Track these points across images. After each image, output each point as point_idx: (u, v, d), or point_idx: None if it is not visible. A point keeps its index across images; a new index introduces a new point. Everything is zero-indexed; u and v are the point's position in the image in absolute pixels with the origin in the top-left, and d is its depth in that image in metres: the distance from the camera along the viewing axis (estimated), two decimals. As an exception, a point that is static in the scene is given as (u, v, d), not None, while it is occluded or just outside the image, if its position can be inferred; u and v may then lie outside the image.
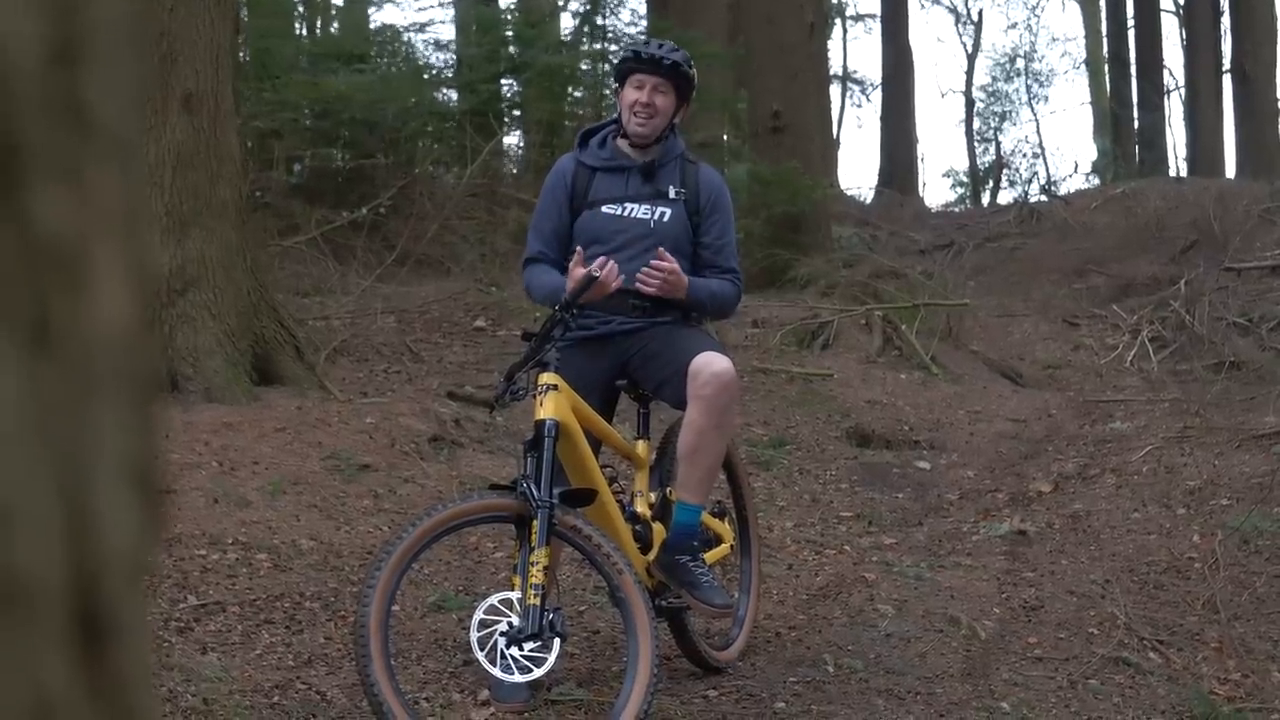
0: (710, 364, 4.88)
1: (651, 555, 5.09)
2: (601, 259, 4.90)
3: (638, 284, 4.94)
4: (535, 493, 4.56)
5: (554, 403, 4.79)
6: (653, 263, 4.93)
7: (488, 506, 4.67)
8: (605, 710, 4.69)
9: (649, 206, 5.20)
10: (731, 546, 5.63)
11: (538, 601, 4.51)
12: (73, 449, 0.54)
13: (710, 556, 5.31)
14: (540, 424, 4.74)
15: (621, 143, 5.29)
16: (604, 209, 5.21)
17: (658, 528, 5.19)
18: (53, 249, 0.52)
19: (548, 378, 4.83)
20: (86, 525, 0.55)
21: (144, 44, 0.58)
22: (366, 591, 4.40)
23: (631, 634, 4.54)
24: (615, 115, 5.35)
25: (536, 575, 4.52)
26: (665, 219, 5.19)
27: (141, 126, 0.60)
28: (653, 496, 5.29)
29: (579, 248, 5.08)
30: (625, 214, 5.20)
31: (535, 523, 4.54)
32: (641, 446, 5.34)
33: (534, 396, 4.82)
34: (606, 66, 16.82)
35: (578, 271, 4.89)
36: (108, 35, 0.55)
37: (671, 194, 5.23)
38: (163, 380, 8.14)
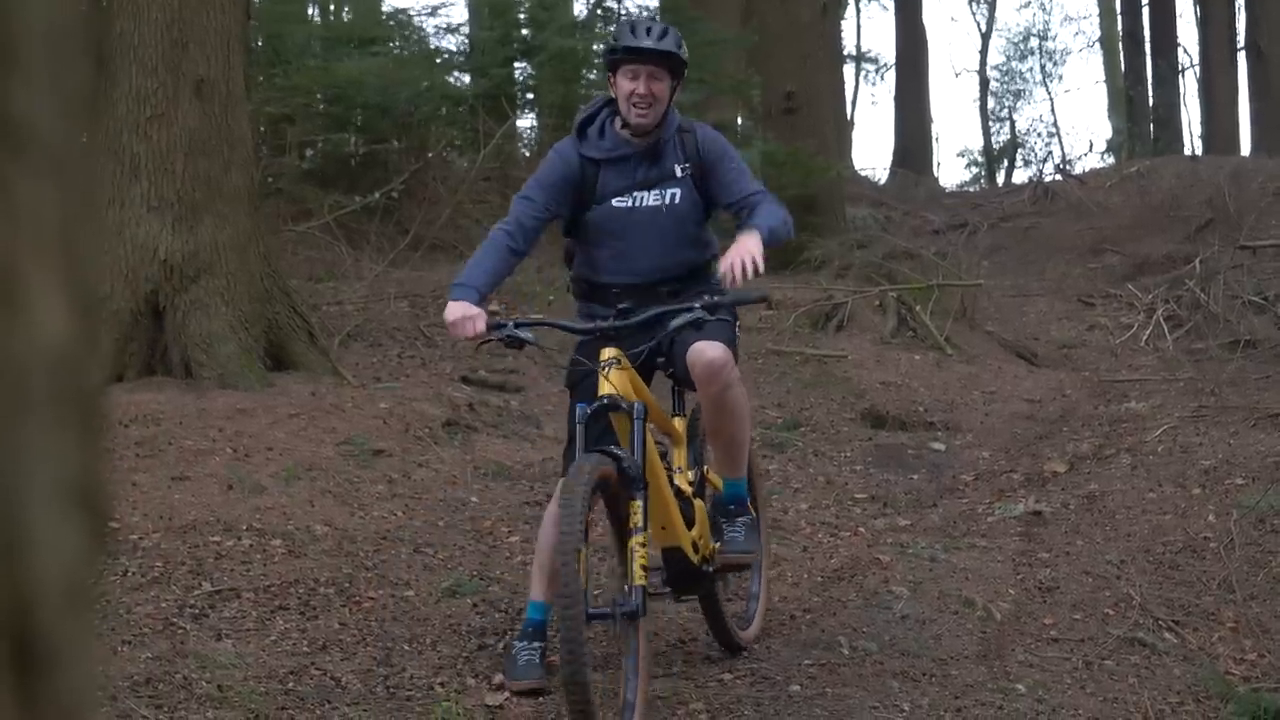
0: (702, 353, 4.90)
1: (695, 531, 5.10)
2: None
3: (729, 278, 4.76)
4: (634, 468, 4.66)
5: (620, 378, 4.79)
6: (734, 270, 4.74)
7: (604, 475, 4.58)
8: (612, 697, 4.68)
9: (658, 191, 5.16)
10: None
11: (645, 580, 4.61)
12: (5, 470, 0.52)
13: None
14: (613, 400, 4.75)
15: (622, 131, 5.19)
16: (614, 202, 5.16)
17: (699, 504, 5.25)
18: None
19: (611, 352, 4.81)
20: (19, 549, 0.53)
21: (89, 53, 0.56)
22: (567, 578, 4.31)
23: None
24: (607, 97, 5.27)
25: (643, 555, 4.60)
26: (676, 199, 5.16)
27: (84, 139, 0.58)
28: (691, 474, 5.33)
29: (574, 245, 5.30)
30: (636, 204, 5.15)
31: (638, 503, 4.62)
32: (679, 423, 5.36)
33: (599, 371, 4.79)
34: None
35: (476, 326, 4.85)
36: (41, 45, 0.54)
37: (678, 172, 5.18)
38: (176, 367, 8.15)
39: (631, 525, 4.62)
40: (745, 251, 4.75)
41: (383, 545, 6.29)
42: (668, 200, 5.16)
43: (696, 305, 4.80)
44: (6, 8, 0.51)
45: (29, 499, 0.54)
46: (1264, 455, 8.01)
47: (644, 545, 4.59)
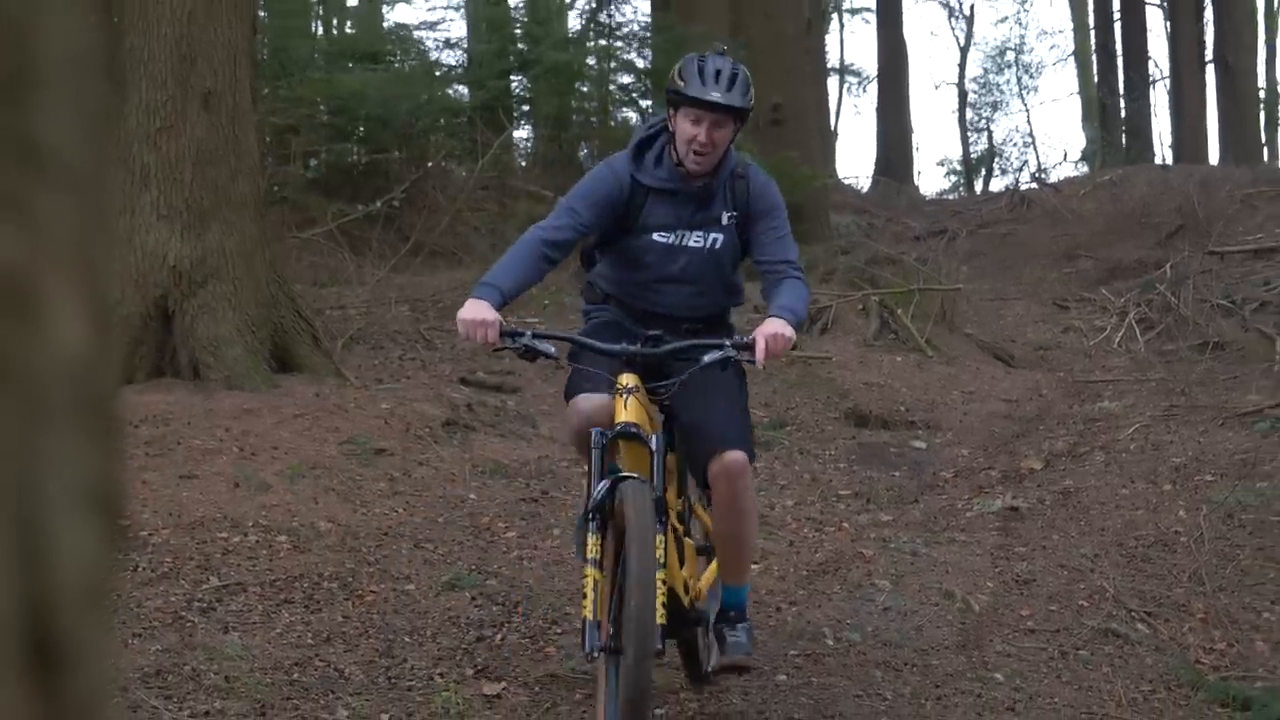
0: (725, 464, 4.50)
1: (685, 570, 4.68)
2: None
3: (760, 353, 4.36)
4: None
5: (638, 407, 4.41)
6: (767, 348, 4.37)
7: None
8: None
9: (702, 234, 4.79)
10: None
11: (664, 619, 4.17)
12: (26, 478, 0.52)
13: (711, 571, 4.89)
14: (632, 428, 4.35)
15: (678, 168, 4.74)
16: (656, 236, 4.76)
17: (689, 542, 4.86)
18: (2, 283, 0.50)
19: (631, 380, 4.43)
20: (40, 553, 0.53)
21: (105, 73, 0.56)
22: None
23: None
24: (665, 122, 4.78)
25: (663, 592, 4.17)
26: (718, 245, 4.80)
27: (100, 156, 0.58)
28: (680, 504, 4.87)
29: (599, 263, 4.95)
30: (679, 243, 4.77)
31: (659, 537, 4.20)
32: (671, 459, 4.79)
33: (616, 396, 4.40)
34: (613, 63, 16.79)
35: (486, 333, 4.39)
36: (59, 67, 0.53)
37: (724, 220, 4.80)
38: (184, 369, 8.13)
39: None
40: (778, 334, 4.38)
41: (384, 541, 6.28)
42: (709, 244, 4.80)
43: (727, 342, 4.44)
44: (26, 33, 0.50)
45: (49, 504, 0.53)
46: (1232, 453, 8.03)
47: (665, 582, 4.17)
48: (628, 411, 4.37)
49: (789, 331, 4.43)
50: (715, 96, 4.56)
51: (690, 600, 4.65)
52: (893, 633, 5.67)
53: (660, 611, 4.06)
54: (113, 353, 0.58)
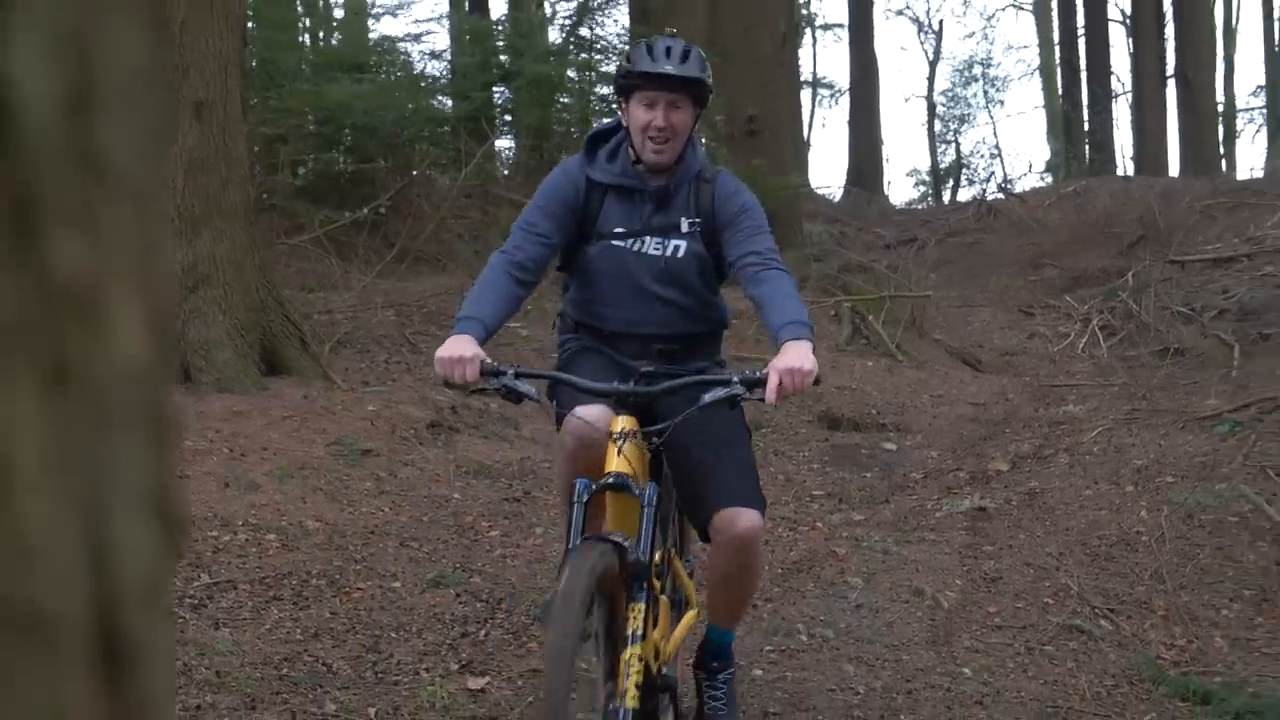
0: (734, 524, 3.93)
1: (657, 632, 3.89)
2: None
3: (773, 393, 3.66)
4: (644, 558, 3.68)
5: (634, 454, 3.82)
6: (785, 388, 3.64)
7: (608, 569, 3.51)
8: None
9: (660, 240, 4.19)
10: (697, 612, 4.46)
11: (637, 703, 3.51)
12: (92, 483, 0.53)
13: (681, 628, 4.27)
14: (624, 480, 3.75)
15: (635, 165, 4.19)
16: (614, 243, 4.19)
17: (663, 601, 4.06)
18: (69, 292, 0.51)
19: (627, 423, 3.82)
20: (106, 556, 0.54)
21: (161, 88, 0.57)
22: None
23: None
24: (619, 120, 4.26)
25: (639, 671, 3.56)
26: (679, 253, 4.18)
27: (158, 168, 0.59)
28: (657, 556, 3.91)
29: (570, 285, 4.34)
30: (636, 249, 4.18)
31: (639, 607, 3.65)
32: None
33: (612, 441, 3.79)
34: (593, 75, 16.78)
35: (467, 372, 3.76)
36: (122, 82, 0.54)
37: (684, 226, 4.20)
38: (176, 372, 8.11)
39: (629, 632, 3.59)
40: (796, 370, 3.67)
41: (371, 539, 6.27)
42: (669, 253, 4.19)
43: (734, 378, 3.75)
44: (90, 48, 0.51)
45: (115, 507, 0.54)
46: (1192, 455, 8.07)
47: (641, 660, 3.56)
48: (620, 460, 3.77)
49: (808, 364, 3.69)
50: (668, 68, 4.03)
51: (658, 666, 3.92)
52: (865, 629, 5.68)
53: (634, 694, 3.48)
54: (169, 359, 0.59)
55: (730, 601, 4.23)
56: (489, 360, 3.80)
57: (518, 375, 3.81)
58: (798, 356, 3.70)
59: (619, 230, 4.19)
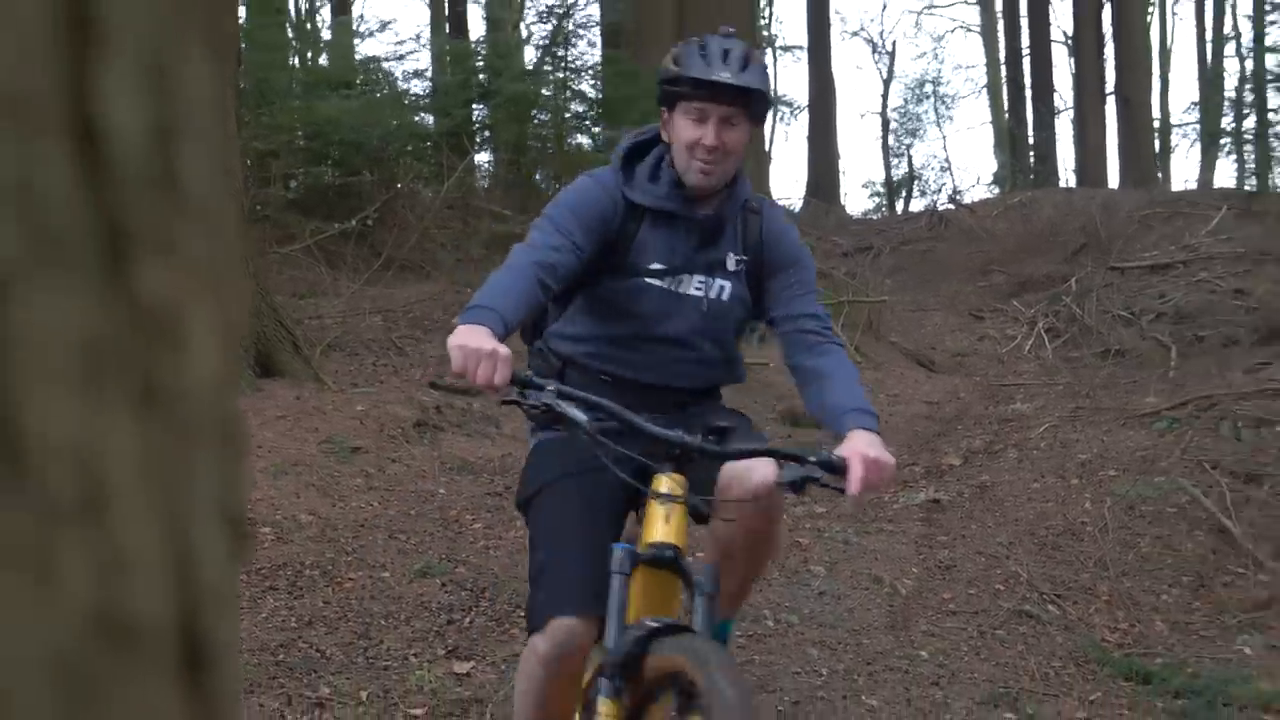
0: (750, 475, 3.14)
1: None
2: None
3: (854, 490, 2.94)
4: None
5: (680, 521, 2.99)
6: (868, 479, 2.94)
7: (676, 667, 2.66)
8: None
9: (704, 279, 3.37)
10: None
11: None
12: (177, 495, 0.54)
13: None
14: (672, 552, 2.93)
15: (678, 189, 3.33)
16: (649, 280, 3.32)
17: None
18: (155, 315, 0.52)
19: (676, 482, 3.00)
20: (188, 563, 0.55)
21: (227, 116, 0.58)
22: None
23: None
24: (658, 131, 3.39)
25: None
26: (723, 295, 3.39)
27: (230, 190, 0.60)
28: None
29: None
30: (676, 289, 3.34)
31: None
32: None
33: (657, 502, 2.98)
34: (568, 92, 16.78)
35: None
36: (199, 112, 0.55)
37: (731, 263, 3.39)
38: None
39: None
40: (882, 462, 2.98)
41: (361, 532, 6.26)
42: (712, 294, 3.39)
43: (811, 459, 3.01)
44: (175, 83, 0.52)
45: (196, 518, 0.55)
46: (1133, 450, 8.12)
47: None
48: (669, 528, 2.94)
49: (889, 458, 3.00)
50: (725, 76, 3.15)
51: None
52: (827, 615, 5.70)
53: None
54: (240, 374, 0.60)
55: (743, 583, 3.39)
56: (521, 369, 2.92)
57: (560, 395, 2.93)
58: (877, 445, 3.01)
59: (657, 267, 3.33)
